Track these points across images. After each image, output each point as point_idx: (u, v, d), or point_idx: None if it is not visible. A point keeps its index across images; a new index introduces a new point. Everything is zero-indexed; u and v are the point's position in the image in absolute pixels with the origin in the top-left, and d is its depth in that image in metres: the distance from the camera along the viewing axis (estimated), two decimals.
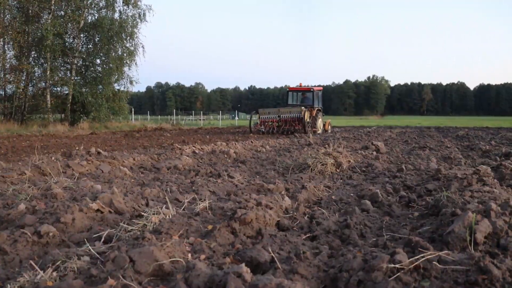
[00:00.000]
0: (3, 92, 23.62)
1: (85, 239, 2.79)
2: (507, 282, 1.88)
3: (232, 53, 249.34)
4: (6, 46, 23.30)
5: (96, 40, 24.77)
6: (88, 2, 24.68)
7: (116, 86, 25.98)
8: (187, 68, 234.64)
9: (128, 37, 25.18)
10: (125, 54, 25.19)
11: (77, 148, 9.91)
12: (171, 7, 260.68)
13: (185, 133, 20.09)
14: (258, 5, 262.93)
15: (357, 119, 69.06)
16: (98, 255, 2.37)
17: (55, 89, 24.71)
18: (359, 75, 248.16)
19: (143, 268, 2.11)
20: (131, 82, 26.19)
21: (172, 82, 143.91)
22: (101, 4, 25.25)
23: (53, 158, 6.91)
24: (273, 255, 2.35)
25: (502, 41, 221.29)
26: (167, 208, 3.34)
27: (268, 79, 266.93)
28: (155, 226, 2.93)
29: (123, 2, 25.44)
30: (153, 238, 2.48)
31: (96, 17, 24.85)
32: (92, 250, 2.44)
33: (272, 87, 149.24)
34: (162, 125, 27.29)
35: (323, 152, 7.03)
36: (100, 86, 24.72)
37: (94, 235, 2.89)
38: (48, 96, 23.53)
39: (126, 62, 25.37)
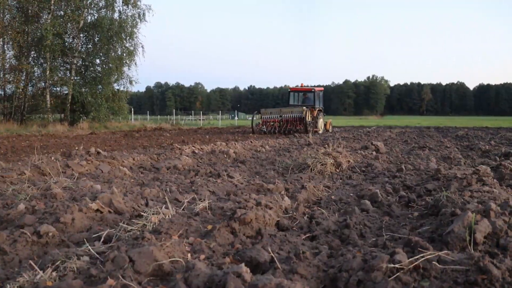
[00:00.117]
0: (2, 92, 23.62)
1: (84, 239, 2.79)
2: (506, 282, 1.88)
3: (231, 53, 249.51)
4: (5, 46, 23.32)
5: (95, 40, 24.76)
6: (88, 2, 24.67)
7: (116, 86, 26.03)
8: (186, 68, 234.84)
9: (128, 37, 25.17)
10: (124, 54, 25.19)
11: (76, 148, 9.90)
12: (170, 7, 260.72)
13: (184, 133, 20.09)
14: (257, 5, 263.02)
15: (357, 119, 69.09)
16: (97, 255, 2.37)
17: (54, 89, 24.70)
18: (359, 75, 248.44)
19: (142, 268, 2.11)
20: (130, 82, 26.24)
21: (171, 82, 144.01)
22: (100, 4, 25.26)
23: (52, 158, 6.90)
24: (273, 255, 2.35)
25: (501, 41, 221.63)
26: (167, 208, 3.34)
27: (268, 79, 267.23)
28: (154, 226, 2.93)
29: (122, 2, 25.46)
30: (152, 238, 2.48)
31: (95, 17, 24.85)
32: (91, 250, 2.44)
33: (271, 87, 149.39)
34: (162, 125, 27.30)
35: (322, 152, 7.03)
36: (100, 86, 24.71)
37: (94, 235, 2.89)
38: (48, 96, 23.52)
39: (126, 62, 25.37)
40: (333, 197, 4.40)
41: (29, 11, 23.04)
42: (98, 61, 25.45)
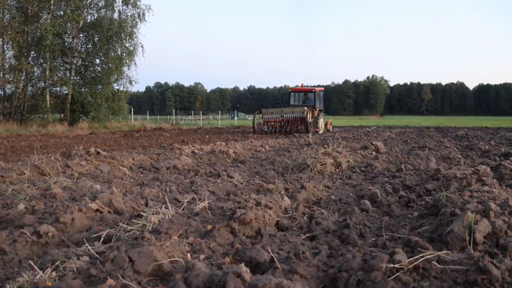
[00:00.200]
0: (2, 92, 23.62)
1: (84, 239, 2.79)
2: (506, 282, 1.88)
3: (231, 53, 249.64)
4: (5, 46, 23.32)
5: (95, 40, 24.75)
6: (88, 2, 24.67)
7: (116, 86, 26.05)
8: (186, 68, 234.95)
9: (128, 37, 25.18)
10: (124, 54, 25.20)
11: (76, 148, 9.90)
12: (170, 7, 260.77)
13: (184, 133, 20.08)
14: (257, 5, 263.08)
15: (357, 119, 69.09)
16: (97, 255, 2.37)
17: (54, 89, 24.71)
18: (359, 75, 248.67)
19: (142, 268, 2.11)
20: (130, 82, 26.25)
21: (171, 82, 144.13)
22: (100, 4, 25.27)
23: (52, 158, 6.90)
24: (273, 255, 2.35)
25: (501, 41, 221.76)
26: (167, 208, 3.34)
27: (268, 79, 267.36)
28: (154, 226, 2.93)
29: (122, 2, 25.47)
30: (152, 238, 2.48)
31: (95, 17, 24.86)
32: (91, 250, 2.44)
33: (271, 87, 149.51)
34: (162, 125, 27.30)
35: (322, 152, 7.03)
36: (100, 86, 24.72)
37: (94, 235, 2.89)
38: (48, 96, 23.52)
39: (126, 62, 25.38)
40: (332, 197, 4.40)
41: (29, 11, 23.04)
42: (97, 61, 25.46)
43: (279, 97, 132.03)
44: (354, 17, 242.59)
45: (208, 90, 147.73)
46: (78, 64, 25.09)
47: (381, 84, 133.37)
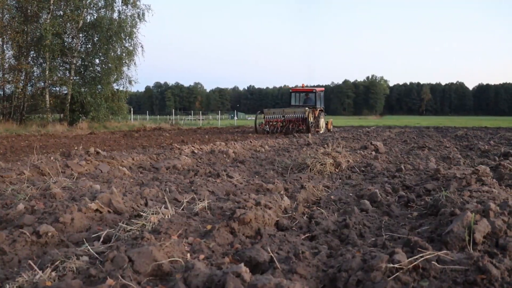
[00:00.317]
0: (2, 92, 23.58)
1: (84, 239, 2.79)
2: (506, 282, 1.88)
3: (231, 53, 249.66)
4: (5, 46, 23.29)
5: (95, 40, 24.74)
6: (87, 2, 24.65)
7: (115, 86, 26.03)
8: (186, 68, 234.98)
9: (127, 37, 25.16)
10: (124, 54, 25.19)
11: (76, 148, 9.90)
12: (170, 7, 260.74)
13: (184, 133, 20.08)
14: (257, 5, 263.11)
15: (356, 119, 69.08)
16: (97, 255, 2.37)
17: (54, 89, 24.70)
18: (358, 75, 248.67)
19: (142, 268, 2.11)
20: (130, 82, 26.24)
21: (171, 82, 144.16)
22: (100, 4, 25.26)
23: (52, 158, 6.90)
24: (272, 255, 2.35)
25: (501, 41, 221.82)
26: (166, 208, 3.34)
27: (267, 79, 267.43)
28: (154, 226, 2.93)
29: (122, 2, 25.45)
30: (152, 238, 2.48)
31: (95, 17, 24.84)
32: (91, 250, 2.44)
33: (271, 87, 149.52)
34: (161, 125, 27.30)
35: (322, 152, 7.04)
36: (99, 86, 24.71)
37: (93, 235, 2.89)
38: (47, 96, 23.50)
39: (125, 62, 25.37)
40: (332, 197, 4.40)
41: (29, 11, 23.03)
42: (97, 61, 25.45)
43: (278, 97, 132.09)
44: (354, 17, 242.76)
45: (208, 90, 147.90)
46: (77, 64, 25.07)
47: (381, 84, 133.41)
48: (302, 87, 21.65)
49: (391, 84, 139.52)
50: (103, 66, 25.03)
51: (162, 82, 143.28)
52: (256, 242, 2.72)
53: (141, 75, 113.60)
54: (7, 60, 23.25)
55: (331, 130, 21.65)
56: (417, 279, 1.95)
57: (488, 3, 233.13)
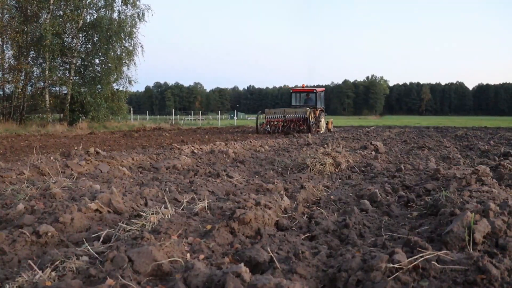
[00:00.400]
0: (1, 92, 23.58)
1: (83, 239, 2.79)
2: (505, 282, 1.88)
3: (231, 53, 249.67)
4: (4, 46, 23.29)
5: (95, 40, 24.74)
6: (87, 1, 24.65)
7: (115, 86, 26.04)
8: (186, 68, 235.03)
9: (127, 37, 25.17)
10: (124, 54, 25.19)
11: (75, 148, 9.90)
12: (170, 7, 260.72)
13: (184, 133, 20.08)
14: (257, 4, 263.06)
15: (356, 119, 69.10)
16: (97, 255, 2.37)
17: (54, 89, 24.69)
18: (358, 75, 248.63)
19: (142, 268, 2.11)
20: (130, 82, 26.24)
21: (171, 82, 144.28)
22: (99, 4, 25.26)
23: (51, 158, 6.90)
24: (272, 255, 2.35)
25: (501, 41, 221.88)
26: (166, 208, 3.34)
27: (267, 79, 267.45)
28: (154, 226, 2.93)
29: (122, 2, 25.47)
30: (152, 238, 2.48)
31: (94, 17, 24.84)
32: (91, 250, 2.44)
33: (271, 87, 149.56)
34: (161, 125, 27.31)
35: (322, 152, 7.04)
36: (99, 86, 24.71)
37: (93, 235, 2.89)
38: (47, 96, 23.50)
39: (125, 62, 25.37)
40: (332, 197, 4.40)
41: (28, 10, 23.02)
42: (97, 61, 25.45)
43: (278, 97, 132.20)
44: (354, 17, 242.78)
45: (208, 90, 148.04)
46: (77, 64, 25.07)
47: (381, 84, 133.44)
48: (303, 87, 21.84)
49: (391, 84, 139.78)
50: (103, 66, 25.04)
51: (162, 82, 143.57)
52: (256, 242, 2.72)
53: (141, 75, 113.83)
54: (7, 60, 23.27)
55: (332, 130, 21.78)
56: (417, 279, 1.95)
57: (488, 3, 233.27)
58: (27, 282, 2.03)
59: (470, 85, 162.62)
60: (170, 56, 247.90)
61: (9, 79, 22.96)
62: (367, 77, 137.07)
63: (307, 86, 22.18)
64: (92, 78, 25.00)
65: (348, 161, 6.97)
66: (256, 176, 6.01)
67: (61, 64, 25.05)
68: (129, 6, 25.49)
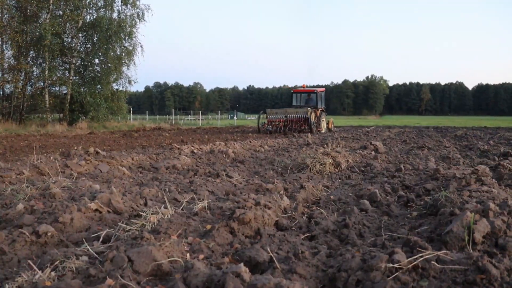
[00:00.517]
0: (1, 92, 23.58)
1: (83, 239, 2.79)
2: (505, 282, 1.88)
3: (231, 53, 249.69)
4: (4, 46, 23.28)
5: (94, 39, 24.72)
6: (87, 1, 24.64)
7: (115, 86, 26.04)
8: (185, 68, 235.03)
9: (127, 37, 25.16)
10: (123, 54, 25.19)
11: (75, 148, 9.90)
12: (170, 7, 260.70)
13: (183, 133, 20.08)
14: (257, 4, 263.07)
15: (356, 119, 69.10)
16: (96, 255, 2.37)
17: (53, 88, 24.68)
18: (358, 75, 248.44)
19: (141, 268, 2.11)
20: (129, 82, 26.24)
21: (170, 82, 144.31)
22: (99, 4, 25.25)
23: (51, 158, 6.90)
24: (272, 254, 2.35)
25: (501, 41, 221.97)
26: (166, 208, 3.34)
27: (267, 79, 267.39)
28: (153, 226, 2.93)
29: (121, 2, 25.46)
30: (151, 238, 2.48)
31: (94, 17, 24.83)
32: (90, 250, 2.44)
33: (270, 87, 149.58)
34: (161, 124, 27.31)
35: (321, 152, 7.04)
36: (99, 86, 24.71)
37: (93, 235, 2.89)
38: (47, 96, 23.49)
39: (125, 62, 25.37)
40: (332, 197, 4.40)
41: (28, 10, 23.01)
42: (97, 61, 25.44)
43: (278, 97, 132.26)
44: (354, 16, 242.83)
45: (207, 90, 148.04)
46: (77, 64, 25.07)
47: (380, 84, 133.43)
48: (303, 87, 22.03)
49: (390, 84, 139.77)
50: (103, 66, 25.03)
51: (161, 82, 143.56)
52: (256, 242, 2.72)
53: (140, 75, 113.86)
54: (7, 60, 23.25)
55: (332, 129, 21.95)
56: (417, 279, 1.95)
57: (488, 3, 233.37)
58: (26, 282, 2.03)
59: (470, 85, 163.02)
60: (170, 56, 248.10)
61: (9, 79, 22.95)
62: (367, 77, 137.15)
63: (307, 86, 22.36)
64: (91, 78, 24.99)
65: (348, 161, 6.97)
66: (256, 176, 6.01)
67: (60, 64, 25.04)
68: (128, 6, 25.51)
